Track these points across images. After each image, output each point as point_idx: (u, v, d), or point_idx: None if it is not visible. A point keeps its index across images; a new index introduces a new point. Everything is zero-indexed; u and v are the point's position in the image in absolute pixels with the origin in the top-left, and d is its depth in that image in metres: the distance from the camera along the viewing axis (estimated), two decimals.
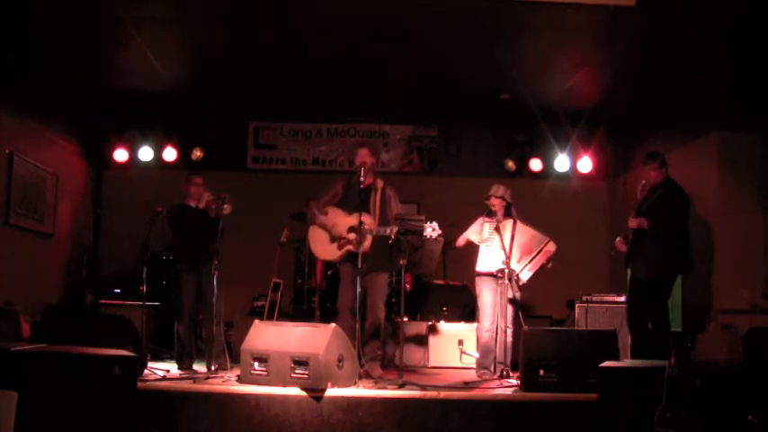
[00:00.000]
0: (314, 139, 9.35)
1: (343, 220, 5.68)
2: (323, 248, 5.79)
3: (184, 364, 5.90)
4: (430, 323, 7.19)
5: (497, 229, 5.86)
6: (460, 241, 6.15)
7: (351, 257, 5.63)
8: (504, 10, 5.78)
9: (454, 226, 6.27)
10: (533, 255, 5.93)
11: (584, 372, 4.49)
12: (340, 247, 5.66)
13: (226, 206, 5.83)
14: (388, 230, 5.43)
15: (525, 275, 5.89)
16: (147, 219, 6.11)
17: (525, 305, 6.80)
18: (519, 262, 5.86)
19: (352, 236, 5.58)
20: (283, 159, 9.34)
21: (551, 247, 5.96)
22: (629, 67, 6.78)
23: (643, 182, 5.85)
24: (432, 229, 5.32)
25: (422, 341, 7.16)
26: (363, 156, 5.76)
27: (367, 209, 5.57)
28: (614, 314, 6.65)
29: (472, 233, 6.10)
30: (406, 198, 6.63)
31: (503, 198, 5.97)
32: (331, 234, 5.70)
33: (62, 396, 3.74)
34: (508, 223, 5.91)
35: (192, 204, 6.19)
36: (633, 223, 5.71)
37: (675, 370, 2.04)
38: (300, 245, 7.26)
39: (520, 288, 5.85)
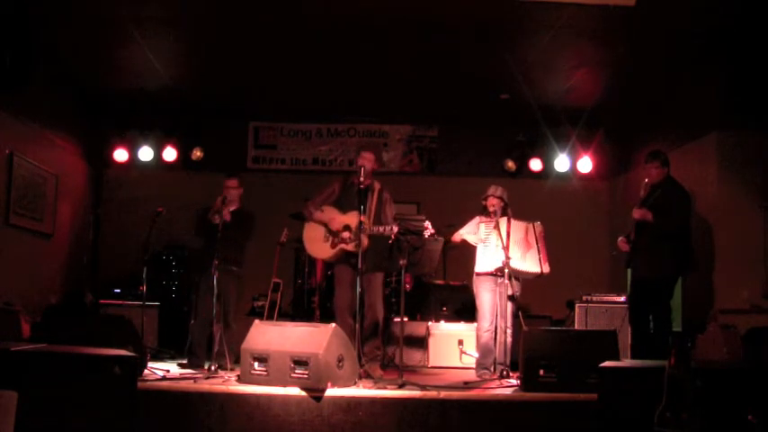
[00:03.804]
0: (314, 139, 9.35)
1: (338, 218, 5.69)
2: (317, 247, 5.81)
3: (193, 362, 5.95)
4: (428, 324, 7.21)
5: (496, 227, 5.84)
6: (456, 237, 6.14)
7: (346, 258, 5.64)
8: (504, 10, 5.79)
9: (454, 226, 6.26)
10: (536, 246, 5.89)
11: (584, 372, 4.49)
12: (333, 246, 5.67)
13: (216, 217, 5.86)
14: (387, 230, 5.43)
15: (546, 268, 5.87)
16: (147, 219, 6.12)
17: (525, 305, 6.80)
18: (524, 258, 5.79)
19: (345, 234, 5.58)
20: (283, 159, 9.34)
21: (540, 227, 5.96)
22: (629, 67, 6.78)
23: (646, 180, 5.82)
24: (425, 228, 5.32)
25: (422, 341, 7.16)
26: (367, 159, 5.77)
27: (363, 209, 5.56)
28: (614, 314, 6.65)
29: (469, 233, 6.08)
30: (406, 198, 6.65)
31: (501, 198, 5.96)
32: (327, 229, 5.71)
33: (62, 396, 3.73)
34: (503, 221, 5.88)
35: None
36: (637, 214, 5.63)
37: (675, 370, 2.03)
38: (300, 245, 7.26)
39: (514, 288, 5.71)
